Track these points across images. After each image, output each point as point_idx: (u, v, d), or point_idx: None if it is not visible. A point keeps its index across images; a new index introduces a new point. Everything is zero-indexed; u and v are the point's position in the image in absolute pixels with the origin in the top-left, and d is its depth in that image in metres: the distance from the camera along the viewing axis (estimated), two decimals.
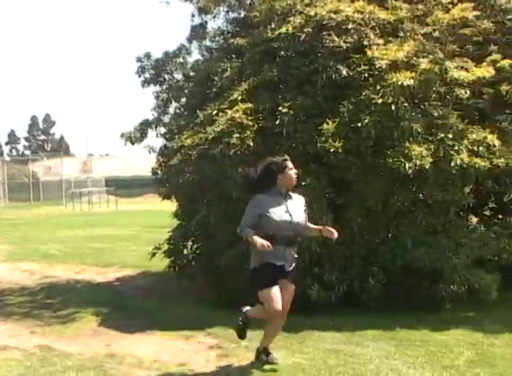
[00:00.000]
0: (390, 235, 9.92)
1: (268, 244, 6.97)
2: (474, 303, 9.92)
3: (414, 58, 10.28)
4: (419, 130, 9.81)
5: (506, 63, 10.43)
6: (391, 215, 9.84)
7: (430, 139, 9.86)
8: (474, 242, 10.01)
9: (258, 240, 7.00)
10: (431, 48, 10.52)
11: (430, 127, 10.00)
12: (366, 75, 10.18)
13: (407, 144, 9.63)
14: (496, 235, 10.32)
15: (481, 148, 9.91)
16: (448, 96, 10.34)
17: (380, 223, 10.11)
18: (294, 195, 7.52)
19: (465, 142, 9.91)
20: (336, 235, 7.42)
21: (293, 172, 7.37)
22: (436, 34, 10.80)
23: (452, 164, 9.64)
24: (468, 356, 7.95)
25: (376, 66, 10.10)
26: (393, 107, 9.79)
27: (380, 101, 9.83)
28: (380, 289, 9.91)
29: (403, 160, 9.47)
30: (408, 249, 9.85)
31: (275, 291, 7.24)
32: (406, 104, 9.93)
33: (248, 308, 7.79)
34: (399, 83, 9.78)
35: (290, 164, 7.39)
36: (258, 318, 7.67)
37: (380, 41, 10.48)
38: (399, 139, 9.77)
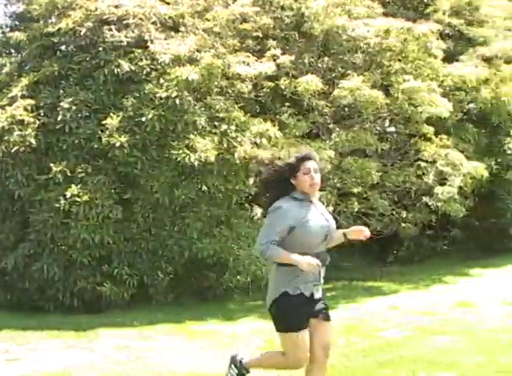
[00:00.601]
0: (176, 228, 9.99)
1: (317, 261, 5.01)
2: (260, 292, 10.16)
3: (196, 52, 10.44)
4: (202, 123, 9.97)
5: (286, 58, 10.76)
6: (177, 208, 9.92)
7: (214, 131, 10.04)
8: (255, 232, 10.23)
9: (302, 259, 4.94)
10: (213, 43, 10.71)
11: (214, 120, 10.19)
12: (149, 70, 10.26)
13: (191, 137, 9.77)
14: None
15: (263, 140, 10.20)
16: (230, 90, 10.56)
17: (166, 216, 10.16)
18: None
19: (248, 134, 10.18)
20: (368, 233, 5.40)
21: (308, 177, 5.15)
22: (217, 29, 10.99)
23: (236, 155, 9.85)
24: (258, 344, 8.10)
25: (159, 61, 10.19)
26: (177, 101, 9.92)
27: (163, 95, 9.93)
28: (168, 282, 9.97)
29: (188, 152, 9.60)
30: (194, 241, 9.96)
31: (305, 335, 5.23)
32: (190, 98, 10.08)
33: (246, 358, 5.64)
34: (183, 77, 9.90)
35: (307, 165, 5.16)
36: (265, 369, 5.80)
37: (162, 36, 10.57)
38: (183, 132, 9.90)
